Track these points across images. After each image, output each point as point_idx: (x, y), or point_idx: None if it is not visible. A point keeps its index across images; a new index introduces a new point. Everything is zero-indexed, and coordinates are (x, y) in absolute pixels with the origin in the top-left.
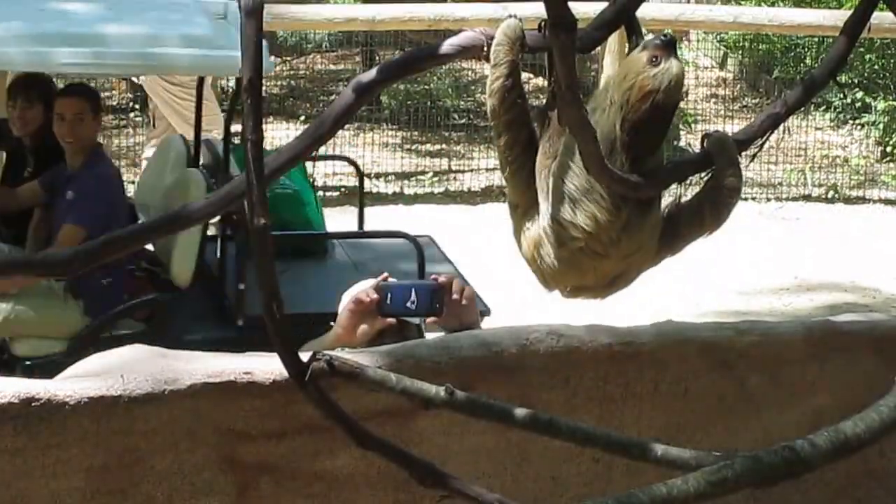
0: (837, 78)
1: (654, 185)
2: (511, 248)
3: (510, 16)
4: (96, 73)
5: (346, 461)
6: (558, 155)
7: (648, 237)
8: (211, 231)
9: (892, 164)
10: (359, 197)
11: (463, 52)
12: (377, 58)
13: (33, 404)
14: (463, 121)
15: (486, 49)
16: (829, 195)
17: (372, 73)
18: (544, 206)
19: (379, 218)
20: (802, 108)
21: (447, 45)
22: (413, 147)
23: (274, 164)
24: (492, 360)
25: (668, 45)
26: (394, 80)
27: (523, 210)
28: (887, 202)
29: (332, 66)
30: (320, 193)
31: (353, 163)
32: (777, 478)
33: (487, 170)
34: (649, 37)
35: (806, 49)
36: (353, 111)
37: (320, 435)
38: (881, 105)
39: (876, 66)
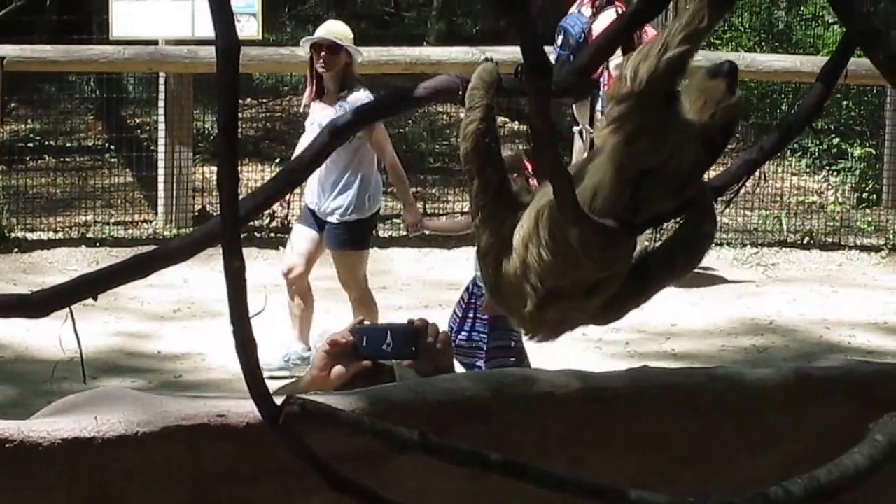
0: (814, 124)
1: (631, 232)
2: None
3: (486, 59)
4: None
5: None
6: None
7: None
8: None
9: (867, 211)
10: None
11: (438, 95)
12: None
13: (7, 445)
14: (438, 164)
15: (461, 93)
16: (805, 241)
17: (347, 116)
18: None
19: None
20: (779, 154)
21: (422, 89)
22: (388, 190)
23: (249, 204)
24: (466, 405)
25: (736, 74)
26: (369, 123)
27: (494, 256)
28: (863, 248)
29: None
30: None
31: None
32: None
33: (462, 213)
34: (706, 63)
35: (782, 95)
36: (328, 153)
37: (294, 478)
38: (857, 151)
39: (852, 113)
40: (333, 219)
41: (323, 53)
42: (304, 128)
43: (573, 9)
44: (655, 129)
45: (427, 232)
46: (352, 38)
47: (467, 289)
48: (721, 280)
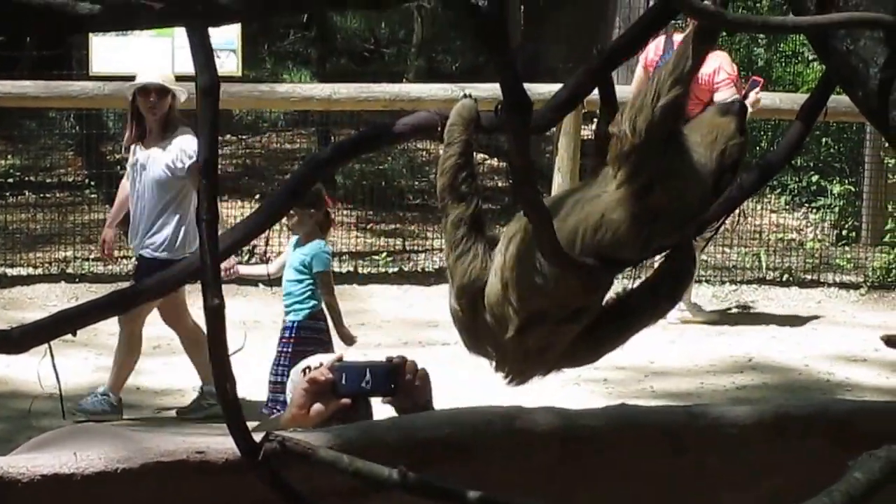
0: (793, 161)
1: (609, 271)
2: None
3: (465, 95)
4: None
5: None
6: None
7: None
8: None
9: (846, 248)
10: None
11: (417, 131)
12: (332, 137)
13: None
14: (417, 201)
15: (440, 129)
16: (784, 278)
17: (327, 151)
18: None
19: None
20: (758, 191)
21: (401, 125)
22: (367, 227)
23: (228, 240)
24: (445, 442)
25: (746, 113)
26: (348, 159)
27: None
28: (842, 286)
29: (287, 145)
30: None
31: None
32: None
33: (442, 250)
34: (721, 100)
35: (762, 132)
36: (307, 188)
37: None
38: (836, 188)
39: (832, 150)
40: (146, 252)
41: (152, 97)
42: (284, 164)
43: (654, 44)
44: (666, 174)
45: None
46: (174, 77)
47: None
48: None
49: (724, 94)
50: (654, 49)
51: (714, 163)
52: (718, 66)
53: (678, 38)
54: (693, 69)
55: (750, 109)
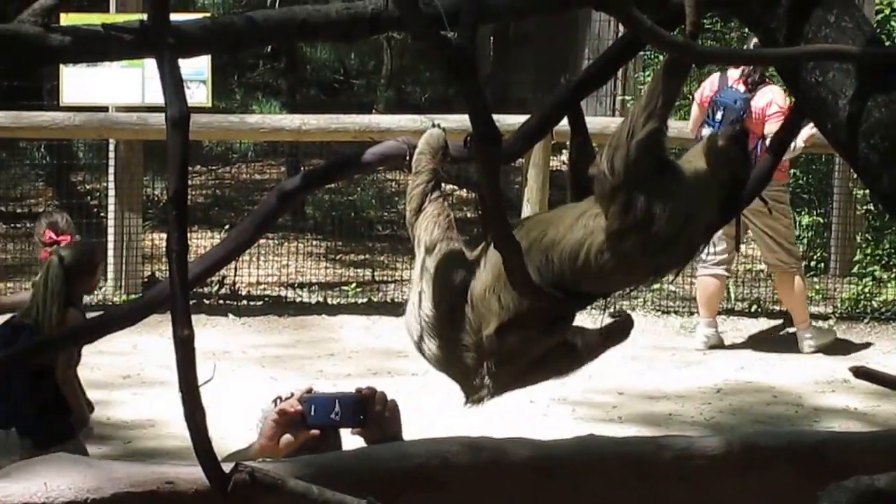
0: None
1: (577, 305)
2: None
3: (433, 125)
4: None
5: None
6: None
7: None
8: None
9: (815, 279)
10: None
11: (385, 160)
12: (302, 167)
13: None
14: (387, 232)
15: (408, 158)
16: (753, 309)
17: (295, 180)
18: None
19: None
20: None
21: (370, 154)
22: (337, 257)
23: (197, 269)
24: (414, 473)
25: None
26: (316, 187)
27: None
28: (811, 316)
29: (257, 176)
30: (244, 303)
31: None
32: None
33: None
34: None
35: None
36: (275, 217)
37: None
38: (805, 220)
39: (801, 181)
40: None
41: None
42: (253, 194)
43: (709, 81)
44: (665, 205)
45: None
46: None
47: None
48: (668, 348)
49: (775, 128)
50: (709, 86)
51: (717, 188)
52: (771, 99)
53: (733, 73)
54: (667, 104)
55: (802, 145)
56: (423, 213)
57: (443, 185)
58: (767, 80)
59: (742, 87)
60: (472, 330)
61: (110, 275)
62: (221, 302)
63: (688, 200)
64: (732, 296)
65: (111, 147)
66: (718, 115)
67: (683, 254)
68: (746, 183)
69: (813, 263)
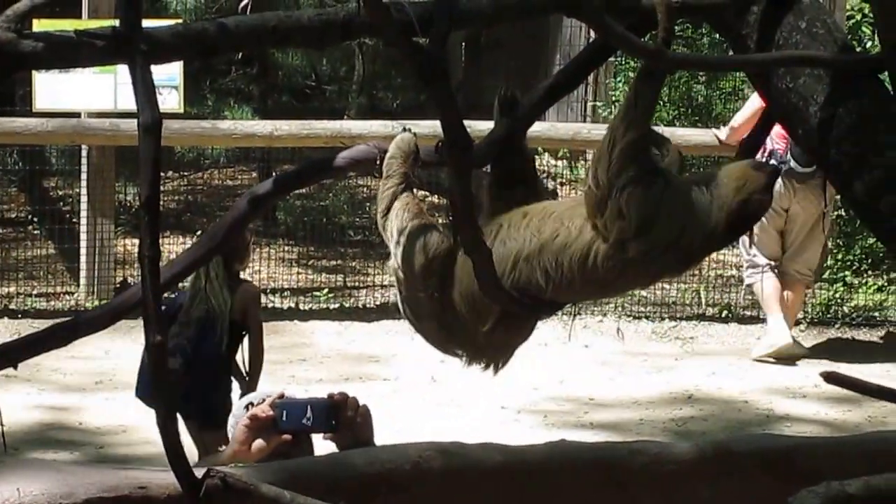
0: None
1: (546, 311)
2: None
3: (404, 129)
4: None
5: None
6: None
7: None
8: None
9: None
10: None
11: (357, 165)
12: (274, 173)
13: None
14: (359, 237)
15: (379, 162)
16: (724, 315)
17: (266, 185)
18: None
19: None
20: None
21: (341, 159)
22: (309, 263)
23: (168, 273)
24: (385, 478)
25: (777, 176)
26: (288, 192)
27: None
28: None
29: (229, 182)
30: None
31: None
32: None
33: (383, 286)
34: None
35: (702, 169)
36: (246, 222)
37: None
38: None
39: None
40: None
41: None
42: (225, 200)
43: None
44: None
45: None
46: None
47: None
48: (639, 353)
49: None
50: None
51: (734, 206)
52: None
53: None
54: (644, 111)
55: None
56: (392, 209)
57: (414, 189)
58: None
59: None
60: (466, 325)
61: (82, 280)
62: None
63: (683, 208)
64: (703, 301)
65: (84, 153)
66: None
67: (682, 261)
68: (762, 214)
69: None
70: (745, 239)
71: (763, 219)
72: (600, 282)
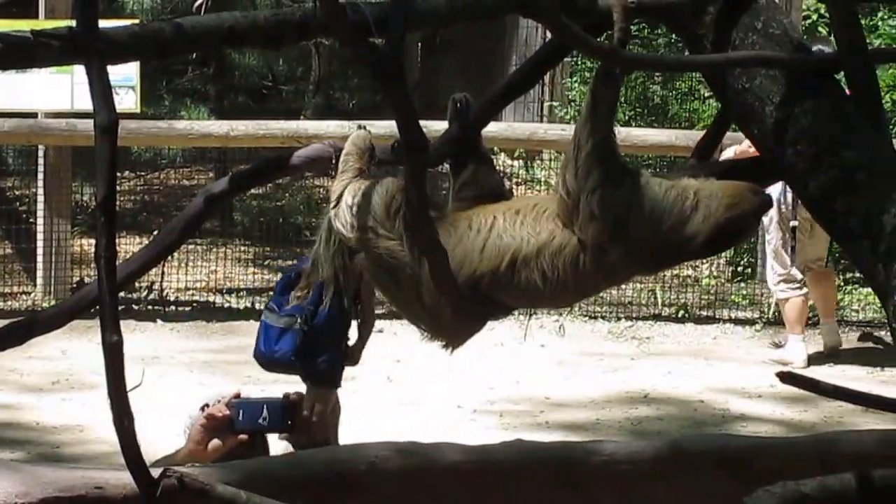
0: None
1: (503, 312)
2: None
3: (359, 127)
4: None
5: None
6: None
7: None
8: None
9: (742, 284)
10: None
11: (312, 163)
12: (230, 173)
13: None
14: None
15: (334, 161)
16: (680, 315)
17: (222, 183)
18: None
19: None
20: None
21: (296, 157)
22: (265, 263)
23: (123, 272)
24: (342, 478)
25: (770, 205)
26: (243, 190)
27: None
28: (737, 321)
29: (185, 182)
30: (172, 308)
31: None
32: None
33: None
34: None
35: (657, 169)
36: (202, 220)
37: None
38: None
39: None
40: None
41: None
42: (182, 200)
43: None
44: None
45: None
46: None
47: None
48: (595, 353)
49: None
50: None
51: (721, 221)
52: None
53: None
54: (605, 114)
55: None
56: (343, 195)
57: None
58: None
59: None
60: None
61: (39, 280)
62: (150, 307)
63: (656, 207)
64: (659, 301)
65: (40, 153)
66: None
67: (655, 261)
68: (744, 239)
69: (740, 269)
70: (782, 252)
71: (798, 232)
72: (587, 285)
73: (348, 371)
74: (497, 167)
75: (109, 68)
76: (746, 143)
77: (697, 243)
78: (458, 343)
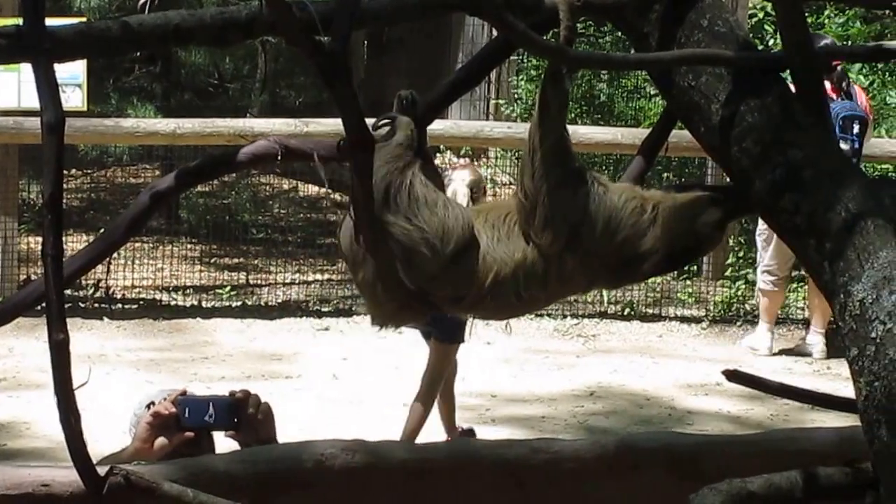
0: None
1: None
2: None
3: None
4: None
5: None
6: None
7: None
8: None
9: (688, 282)
10: None
11: (258, 160)
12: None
13: None
14: (261, 235)
15: (279, 158)
16: (626, 312)
17: (168, 180)
18: None
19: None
20: None
21: (242, 154)
22: (211, 261)
23: (68, 269)
24: (288, 475)
25: (731, 221)
26: (189, 187)
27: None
28: (683, 319)
29: (132, 180)
30: (118, 306)
31: None
32: None
33: (285, 284)
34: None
35: (604, 167)
36: (147, 217)
37: None
38: None
39: (673, 185)
40: None
41: None
42: (129, 198)
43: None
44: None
45: None
46: None
47: None
48: (541, 350)
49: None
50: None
51: (679, 232)
52: (864, 95)
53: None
54: (557, 115)
55: None
56: None
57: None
58: (851, 81)
59: (835, 96)
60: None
61: None
62: (96, 305)
63: (612, 215)
64: (605, 299)
65: None
66: (856, 129)
67: (615, 273)
68: (705, 253)
69: (686, 267)
70: (771, 244)
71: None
72: (552, 295)
73: (293, 369)
74: (443, 165)
75: (56, 66)
76: None
77: (656, 259)
78: (393, 327)
